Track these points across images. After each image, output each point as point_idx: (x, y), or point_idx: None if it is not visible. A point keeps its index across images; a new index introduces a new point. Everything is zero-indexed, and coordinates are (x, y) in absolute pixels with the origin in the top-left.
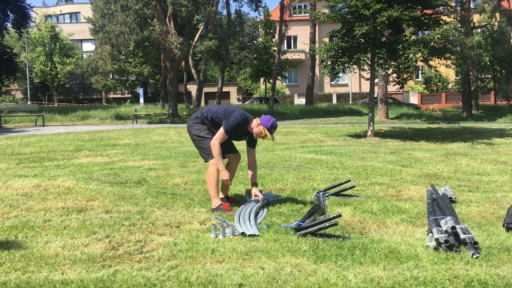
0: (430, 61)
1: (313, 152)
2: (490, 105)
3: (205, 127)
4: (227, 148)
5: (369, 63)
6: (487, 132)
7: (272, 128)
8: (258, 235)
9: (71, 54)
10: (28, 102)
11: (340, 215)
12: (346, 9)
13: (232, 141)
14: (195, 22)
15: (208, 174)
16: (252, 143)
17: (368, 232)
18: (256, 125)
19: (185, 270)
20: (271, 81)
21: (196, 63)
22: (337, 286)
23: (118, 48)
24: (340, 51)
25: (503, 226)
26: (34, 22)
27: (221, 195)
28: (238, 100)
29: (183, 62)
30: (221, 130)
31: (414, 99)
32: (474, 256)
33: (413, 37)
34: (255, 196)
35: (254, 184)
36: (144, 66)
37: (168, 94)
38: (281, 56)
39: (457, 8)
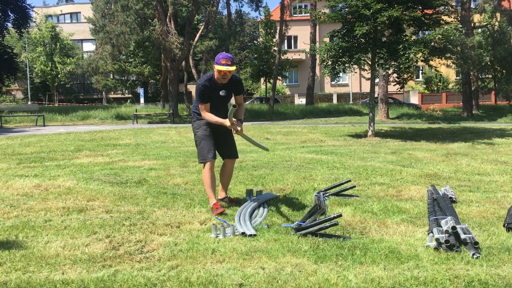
0: (430, 61)
1: (314, 152)
2: (490, 105)
3: (202, 122)
4: (223, 149)
5: (370, 63)
6: (488, 132)
7: (219, 60)
8: (254, 235)
9: (72, 54)
10: (29, 102)
11: (340, 215)
12: (347, 9)
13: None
14: (196, 22)
15: (202, 176)
16: (236, 95)
17: (369, 232)
18: (215, 71)
19: (186, 270)
20: (271, 81)
21: (197, 63)
22: (338, 286)
23: (119, 48)
24: (340, 51)
25: (504, 226)
26: (35, 22)
27: (222, 195)
28: None
29: (183, 62)
30: (199, 104)
31: (414, 99)
32: (475, 256)
33: (414, 37)
34: (235, 125)
35: (240, 120)
36: (144, 66)
37: (168, 94)
38: (282, 56)
39: (458, 8)
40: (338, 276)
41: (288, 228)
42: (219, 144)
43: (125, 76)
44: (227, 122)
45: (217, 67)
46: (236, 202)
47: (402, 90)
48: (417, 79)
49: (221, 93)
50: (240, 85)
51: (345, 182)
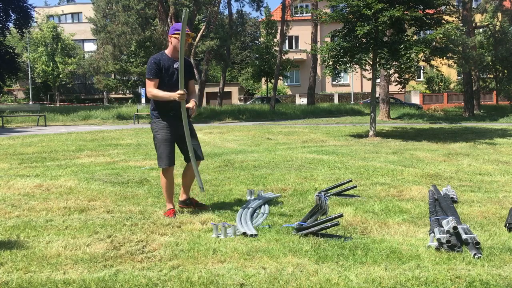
0: (432, 61)
1: (315, 152)
2: (492, 105)
3: (162, 124)
4: (186, 151)
5: (371, 63)
6: (489, 132)
7: (172, 30)
8: (255, 235)
9: (73, 54)
10: (30, 102)
11: (341, 215)
12: (348, 9)
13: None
14: (197, 22)
15: (160, 180)
16: (189, 79)
17: (370, 232)
18: (169, 44)
19: (187, 270)
20: (272, 81)
21: (198, 63)
22: (339, 286)
23: (120, 48)
24: (341, 51)
25: (505, 226)
26: (36, 22)
27: (184, 197)
28: (240, 100)
29: None
30: (146, 80)
31: (416, 99)
32: (476, 256)
33: (415, 37)
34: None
35: (194, 100)
36: (145, 66)
37: None
38: (283, 56)
39: (459, 8)
40: (339, 276)
41: (289, 228)
42: (182, 146)
43: (126, 76)
44: (175, 94)
45: (170, 39)
46: (198, 204)
47: (403, 90)
48: (418, 79)
49: (175, 65)
50: (191, 68)
51: (346, 182)
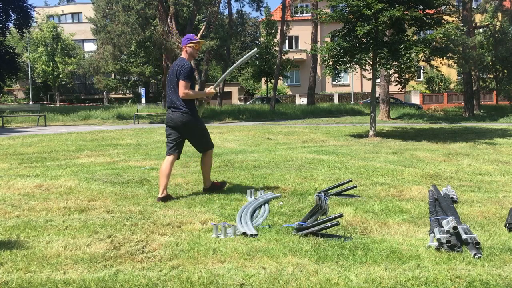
0: (432, 61)
1: (315, 152)
2: (492, 105)
3: (195, 114)
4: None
5: (371, 63)
6: (489, 132)
7: (192, 37)
8: (256, 235)
9: (73, 54)
10: (30, 102)
11: (341, 215)
12: (348, 9)
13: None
14: (197, 22)
15: (209, 160)
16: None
17: (370, 232)
18: (184, 52)
19: (187, 270)
20: (272, 81)
21: (198, 63)
22: (339, 286)
23: (120, 48)
24: (341, 51)
25: (505, 226)
26: (36, 22)
27: (208, 184)
28: (240, 100)
29: None
30: (183, 82)
31: (416, 99)
32: (476, 256)
33: (415, 37)
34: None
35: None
36: (145, 66)
37: None
38: (283, 56)
39: (459, 8)
40: (339, 276)
41: (289, 228)
42: (176, 147)
43: (127, 76)
44: (211, 89)
45: (194, 41)
46: (222, 184)
47: (403, 90)
48: (418, 79)
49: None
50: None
51: (346, 182)
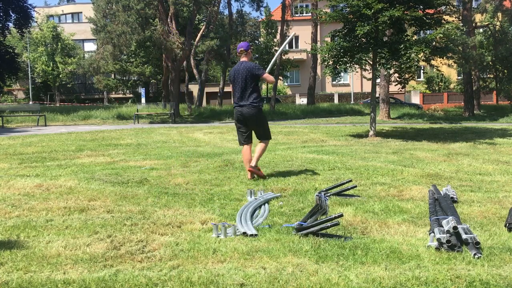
0: (432, 61)
1: (315, 152)
2: (492, 105)
3: (262, 107)
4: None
5: (371, 63)
6: (489, 132)
7: (247, 46)
8: (256, 234)
9: (73, 54)
10: (30, 102)
11: (341, 215)
12: (348, 9)
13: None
14: (197, 22)
15: (264, 147)
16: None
17: (370, 232)
18: (245, 56)
19: (187, 270)
20: None
21: (198, 63)
22: (339, 286)
23: (120, 48)
24: (341, 50)
25: (505, 226)
26: (36, 22)
27: (254, 162)
28: None
29: (184, 62)
30: (266, 73)
31: (416, 99)
32: (476, 256)
33: (415, 36)
34: None
35: None
36: (145, 66)
37: (169, 94)
38: (283, 56)
39: (459, 7)
40: (339, 276)
41: (289, 228)
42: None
43: (127, 76)
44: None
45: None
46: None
47: (403, 90)
48: (418, 79)
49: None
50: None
51: (346, 182)
